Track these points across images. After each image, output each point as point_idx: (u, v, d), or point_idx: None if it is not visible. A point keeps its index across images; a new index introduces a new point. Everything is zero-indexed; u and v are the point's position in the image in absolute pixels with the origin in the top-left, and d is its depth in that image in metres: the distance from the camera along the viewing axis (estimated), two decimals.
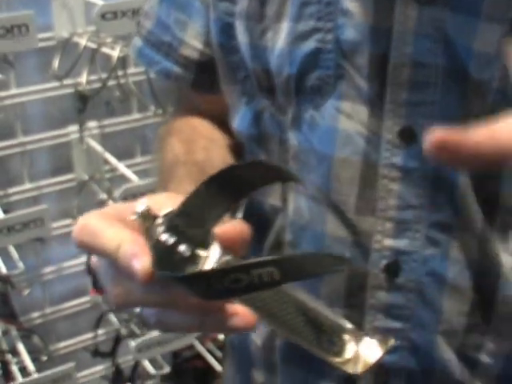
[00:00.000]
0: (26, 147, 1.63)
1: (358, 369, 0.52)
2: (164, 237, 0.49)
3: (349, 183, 0.68)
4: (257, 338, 0.83)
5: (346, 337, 0.53)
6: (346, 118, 0.67)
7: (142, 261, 0.47)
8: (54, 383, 1.54)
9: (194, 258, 0.49)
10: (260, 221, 0.77)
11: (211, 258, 0.50)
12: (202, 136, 0.84)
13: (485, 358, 0.71)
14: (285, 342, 0.78)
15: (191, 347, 1.88)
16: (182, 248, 0.49)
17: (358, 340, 0.53)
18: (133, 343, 1.56)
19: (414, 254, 0.68)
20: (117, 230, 0.50)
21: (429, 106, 0.64)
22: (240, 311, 0.49)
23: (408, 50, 0.63)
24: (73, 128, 1.67)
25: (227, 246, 0.51)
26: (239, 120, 0.78)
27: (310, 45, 0.67)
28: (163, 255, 0.48)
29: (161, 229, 0.49)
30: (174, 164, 0.78)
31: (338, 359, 0.52)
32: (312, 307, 0.53)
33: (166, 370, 1.75)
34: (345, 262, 0.46)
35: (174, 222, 0.50)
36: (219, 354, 1.87)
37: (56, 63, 1.49)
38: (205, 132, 0.85)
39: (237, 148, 0.82)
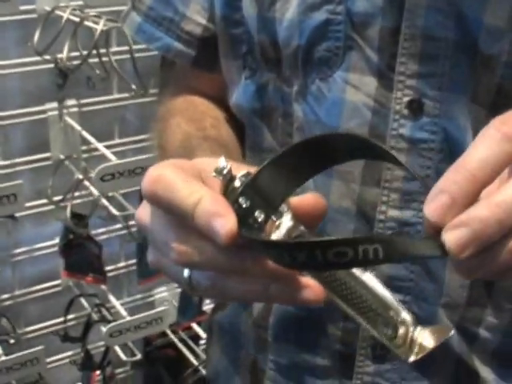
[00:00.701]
0: (1, 123, 1.59)
1: (411, 356, 0.51)
2: (242, 199, 0.48)
3: None
4: (248, 317, 0.82)
5: (404, 324, 0.52)
6: (353, 90, 0.68)
7: (227, 220, 0.45)
8: (22, 367, 1.51)
9: (266, 225, 0.49)
10: None
11: (283, 226, 0.50)
12: (207, 115, 0.83)
13: (483, 333, 0.71)
14: (279, 320, 0.78)
15: (163, 336, 1.86)
16: (257, 213, 0.49)
17: (414, 328, 0.52)
18: (104, 328, 1.53)
19: (419, 226, 0.67)
20: (195, 185, 0.48)
21: (438, 78, 0.64)
22: (312, 284, 0.49)
23: (419, 22, 0.63)
24: (51, 105, 1.63)
25: (301, 217, 0.50)
26: (240, 94, 0.77)
27: (320, 16, 0.67)
28: (239, 218, 0.47)
29: (239, 190, 0.49)
30: (188, 141, 0.77)
31: (393, 343, 0.52)
32: (376, 290, 0.52)
33: (138, 356, 1.72)
34: (444, 252, 0.44)
35: (251, 186, 0.49)
36: (191, 343, 1.85)
37: (36, 37, 1.46)
38: (209, 111, 0.84)
39: (237, 127, 0.82)
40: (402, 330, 0.52)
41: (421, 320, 0.68)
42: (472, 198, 0.44)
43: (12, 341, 1.68)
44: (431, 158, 0.66)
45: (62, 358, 1.86)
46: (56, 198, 1.66)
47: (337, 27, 0.67)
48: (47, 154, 1.67)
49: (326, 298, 0.49)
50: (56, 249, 1.74)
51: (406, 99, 0.65)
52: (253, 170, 0.50)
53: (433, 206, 0.44)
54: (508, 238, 0.44)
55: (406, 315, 0.52)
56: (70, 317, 1.79)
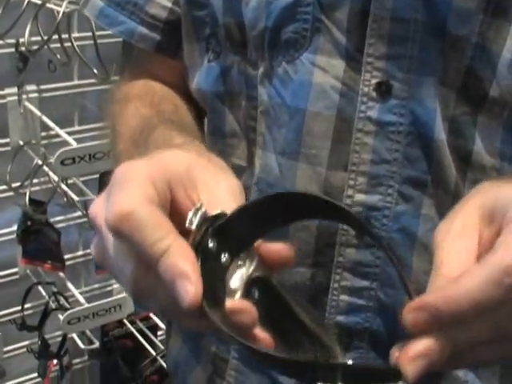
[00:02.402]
0: None
1: None
2: (210, 241, 0.48)
3: (321, 138, 0.67)
4: None
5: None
6: (321, 72, 0.67)
7: (194, 288, 0.45)
8: None
9: (229, 267, 0.49)
10: None
11: (243, 269, 0.49)
12: (167, 100, 0.82)
13: None
14: None
15: (121, 326, 1.85)
16: (224, 258, 0.49)
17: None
18: (61, 316, 1.52)
19: (386, 210, 0.67)
20: (164, 230, 0.46)
21: (407, 60, 0.64)
22: (263, 338, 0.48)
23: (388, 4, 0.63)
24: (10, 90, 1.62)
25: (266, 263, 0.50)
26: (202, 78, 0.76)
27: None
28: (204, 259, 0.47)
29: (209, 234, 0.48)
30: (146, 124, 0.75)
31: None
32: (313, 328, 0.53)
33: (96, 345, 1.71)
34: (400, 377, 0.45)
35: (221, 229, 0.48)
36: (149, 334, 1.84)
37: None
38: (168, 96, 0.83)
39: (197, 115, 0.81)
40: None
41: (387, 307, 0.69)
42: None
43: None
44: (399, 141, 0.65)
45: (20, 348, 1.83)
46: (15, 185, 1.64)
47: (305, 9, 0.66)
48: (6, 140, 1.65)
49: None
50: (14, 236, 1.72)
51: (374, 81, 0.65)
52: (226, 205, 0.50)
53: (413, 318, 0.45)
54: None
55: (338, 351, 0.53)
56: (27, 305, 1.77)
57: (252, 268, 0.49)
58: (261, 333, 0.48)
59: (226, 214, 0.49)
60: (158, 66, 0.85)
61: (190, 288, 0.44)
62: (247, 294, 0.49)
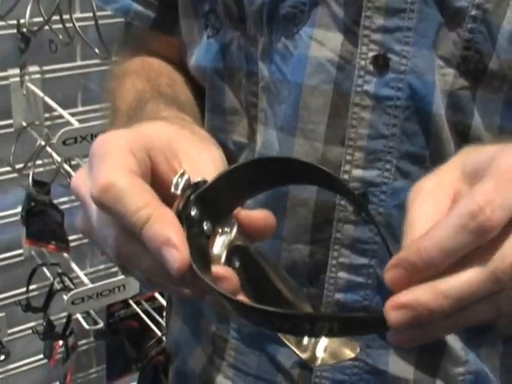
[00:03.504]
0: None
1: (313, 363, 0.55)
2: (192, 209, 0.48)
3: (318, 112, 0.67)
4: None
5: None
6: (317, 46, 0.66)
7: (180, 254, 0.45)
8: None
9: (211, 235, 0.49)
10: None
11: (224, 237, 0.50)
12: (163, 75, 0.81)
13: None
14: None
15: (126, 307, 1.86)
16: (205, 223, 0.49)
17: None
18: (65, 296, 1.53)
19: (383, 186, 0.67)
20: (145, 197, 0.47)
21: (404, 32, 0.63)
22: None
23: None
24: (13, 71, 1.61)
25: (247, 231, 0.50)
26: (202, 54, 0.75)
27: None
28: (189, 226, 0.47)
29: (191, 201, 0.48)
30: (141, 97, 0.75)
31: (299, 347, 0.53)
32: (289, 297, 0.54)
33: (100, 325, 1.71)
34: (386, 326, 0.45)
35: (202, 196, 0.49)
36: (155, 314, 1.85)
37: None
38: (164, 71, 0.83)
39: (196, 90, 0.81)
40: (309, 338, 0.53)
41: (385, 284, 0.69)
42: (429, 278, 0.45)
43: None
44: (397, 116, 0.65)
45: (25, 329, 1.84)
46: (18, 166, 1.64)
47: None
48: (9, 121, 1.65)
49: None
50: (18, 218, 1.72)
51: (371, 54, 0.64)
52: (209, 176, 0.50)
53: (391, 275, 0.46)
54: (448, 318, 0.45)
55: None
56: (32, 287, 1.77)
57: (233, 235, 0.50)
58: (243, 299, 0.48)
59: (207, 181, 0.49)
60: (155, 43, 0.85)
61: (177, 255, 0.45)
62: (229, 262, 0.49)
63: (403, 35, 0.63)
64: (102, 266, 1.93)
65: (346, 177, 0.67)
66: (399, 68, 0.64)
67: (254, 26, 0.70)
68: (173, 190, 0.48)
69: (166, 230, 0.45)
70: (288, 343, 0.53)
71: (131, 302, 1.83)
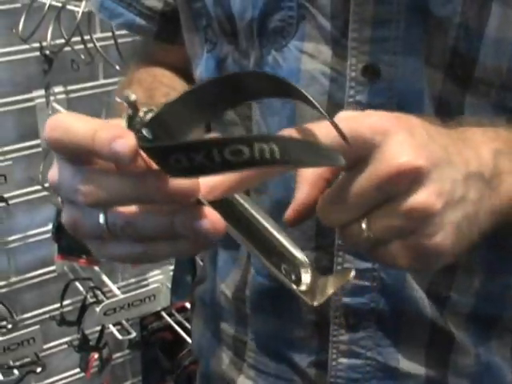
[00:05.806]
0: None
1: (314, 301, 0.53)
2: (145, 131, 0.48)
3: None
4: (227, 290, 0.83)
5: (304, 269, 0.54)
6: (309, 59, 0.67)
7: (126, 139, 0.44)
8: (19, 346, 1.54)
9: None
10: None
11: None
12: (162, 84, 0.84)
13: (455, 296, 0.72)
14: (255, 292, 0.79)
15: (159, 319, 1.88)
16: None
17: (315, 273, 0.54)
18: (98, 308, 1.56)
19: None
20: (91, 121, 0.47)
21: (392, 42, 0.64)
22: (210, 215, 0.47)
23: None
24: (38, 93, 1.65)
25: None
26: (202, 68, 0.77)
27: None
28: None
29: (143, 122, 0.48)
30: None
31: (298, 289, 0.53)
32: (277, 235, 0.54)
33: (133, 335, 1.74)
34: (339, 161, 0.46)
35: (156, 119, 0.48)
36: (186, 324, 1.87)
37: (21, 25, 1.49)
38: (166, 81, 0.85)
39: None
40: (304, 276, 0.54)
41: (390, 286, 0.70)
42: None
43: (10, 326, 1.69)
44: None
45: (61, 344, 1.88)
46: (47, 184, 1.68)
47: None
48: (37, 141, 1.69)
49: (226, 230, 0.48)
50: (49, 235, 1.76)
51: (360, 65, 0.65)
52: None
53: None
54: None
55: (304, 260, 0.54)
56: (66, 302, 1.81)
57: None
58: (209, 211, 0.47)
59: (155, 110, 0.49)
60: (161, 52, 0.88)
61: (124, 141, 0.44)
62: None
63: (391, 45, 0.64)
64: (133, 280, 1.96)
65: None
66: (388, 77, 0.65)
67: (246, 40, 0.71)
68: (120, 100, 0.48)
69: (114, 130, 0.45)
70: (288, 284, 0.53)
71: (163, 313, 1.86)
